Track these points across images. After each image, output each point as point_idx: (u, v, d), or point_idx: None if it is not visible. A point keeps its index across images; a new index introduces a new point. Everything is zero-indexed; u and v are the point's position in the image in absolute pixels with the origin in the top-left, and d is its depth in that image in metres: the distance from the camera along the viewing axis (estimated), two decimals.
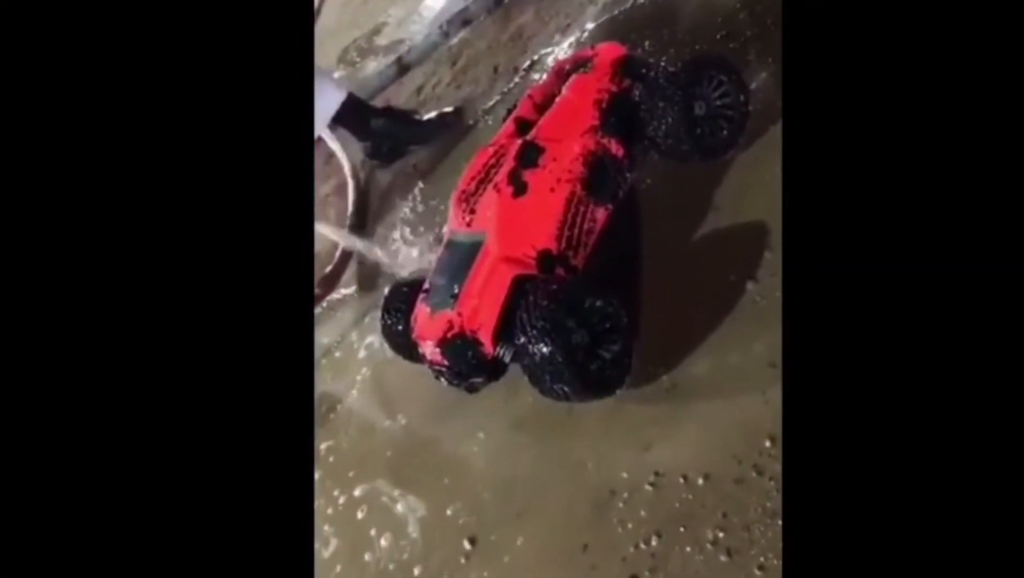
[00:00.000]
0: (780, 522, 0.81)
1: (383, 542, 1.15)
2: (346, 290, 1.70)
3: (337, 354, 1.54)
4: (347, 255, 1.75)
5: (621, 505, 0.94)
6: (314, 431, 1.36)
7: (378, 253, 1.46)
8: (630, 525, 0.92)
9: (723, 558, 0.83)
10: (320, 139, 1.90)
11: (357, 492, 1.26)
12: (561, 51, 1.75)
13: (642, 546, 0.89)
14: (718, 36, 1.39)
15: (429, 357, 1.10)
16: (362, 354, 1.49)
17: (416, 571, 1.08)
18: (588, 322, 0.99)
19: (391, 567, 1.11)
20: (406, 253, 1.58)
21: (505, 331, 1.03)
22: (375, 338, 1.43)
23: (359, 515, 1.22)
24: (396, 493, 1.20)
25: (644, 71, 1.23)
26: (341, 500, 1.27)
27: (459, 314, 1.05)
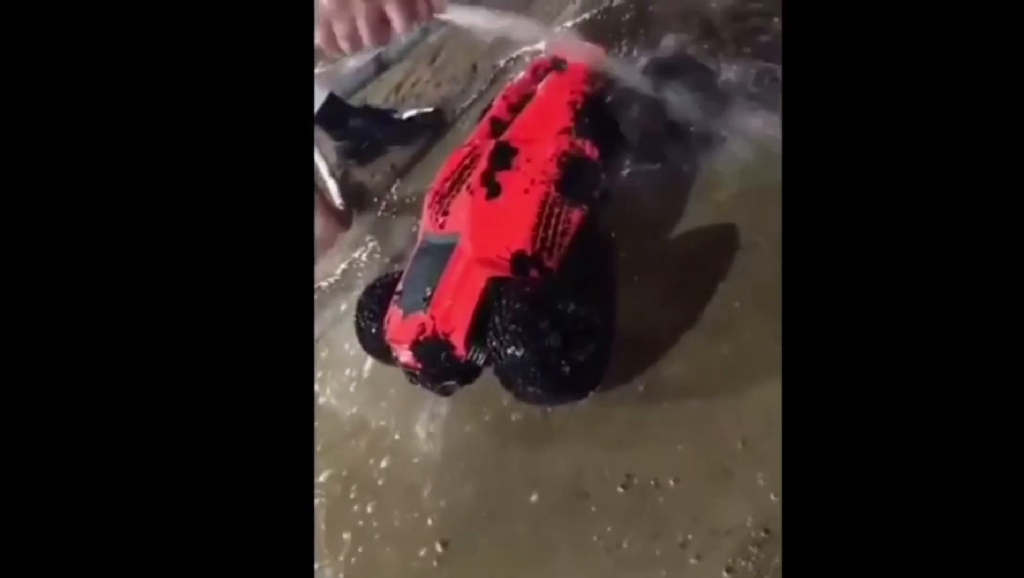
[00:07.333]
0: (748, 523, 0.82)
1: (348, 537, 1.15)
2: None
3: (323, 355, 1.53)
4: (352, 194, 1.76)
5: (593, 508, 0.94)
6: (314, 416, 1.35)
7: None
8: (601, 528, 0.92)
9: (692, 561, 0.83)
10: None
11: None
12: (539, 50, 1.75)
13: (613, 549, 0.89)
14: (693, 36, 1.39)
15: (403, 360, 1.10)
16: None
17: (386, 571, 1.08)
18: (561, 325, 0.99)
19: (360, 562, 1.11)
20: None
21: (478, 333, 1.03)
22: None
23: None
24: (367, 493, 1.20)
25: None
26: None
27: (432, 316, 1.04)
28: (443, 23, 1.00)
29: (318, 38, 0.91)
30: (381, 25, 0.91)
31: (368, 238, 1.69)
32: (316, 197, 1.69)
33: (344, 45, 0.93)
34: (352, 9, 0.89)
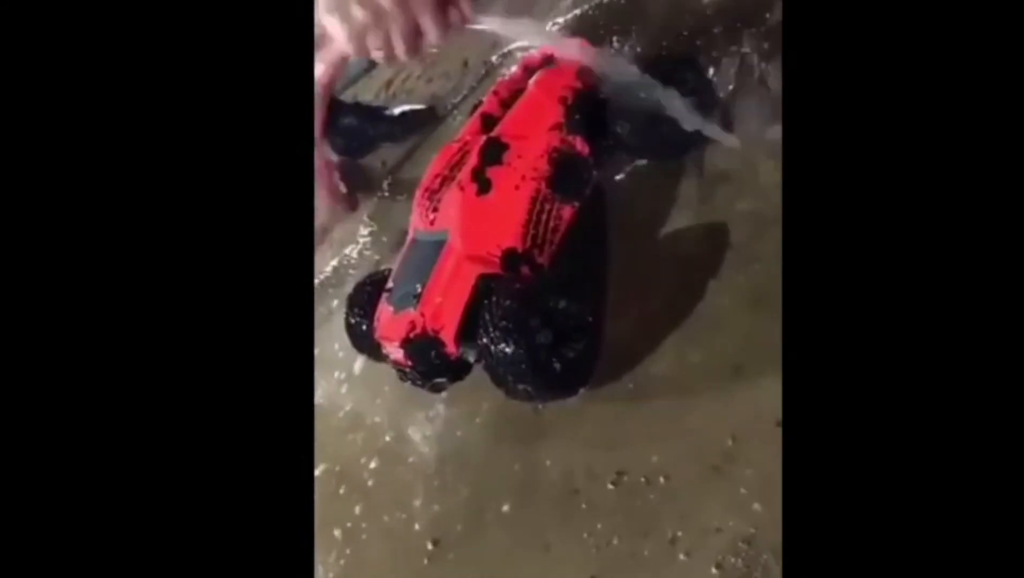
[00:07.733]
0: (737, 520, 0.82)
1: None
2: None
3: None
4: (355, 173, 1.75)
5: (583, 505, 0.94)
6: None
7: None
8: (591, 525, 0.91)
9: (682, 557, 0.83)
10: None
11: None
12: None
13: (603, 546, 0.89)
14: (686, 32, 1.39)
15: (393, 358, 1.09)
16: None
17: (378, 569, 1.08)
18: (552, 321, 0.99)
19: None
20: None
21: (468, 331, 1.02)
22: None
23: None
24: (356, 490, 1.19)
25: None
26: None
27: (422, 314, 1.04)
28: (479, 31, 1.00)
29: (351, 48, 0.92)
30: (415, 37, 0.92)
31: (359, 234, 1.68)
32: (319, 184, 1.67)
33: (377, 56, 0.95)
34: (386, 22, 0.90)
